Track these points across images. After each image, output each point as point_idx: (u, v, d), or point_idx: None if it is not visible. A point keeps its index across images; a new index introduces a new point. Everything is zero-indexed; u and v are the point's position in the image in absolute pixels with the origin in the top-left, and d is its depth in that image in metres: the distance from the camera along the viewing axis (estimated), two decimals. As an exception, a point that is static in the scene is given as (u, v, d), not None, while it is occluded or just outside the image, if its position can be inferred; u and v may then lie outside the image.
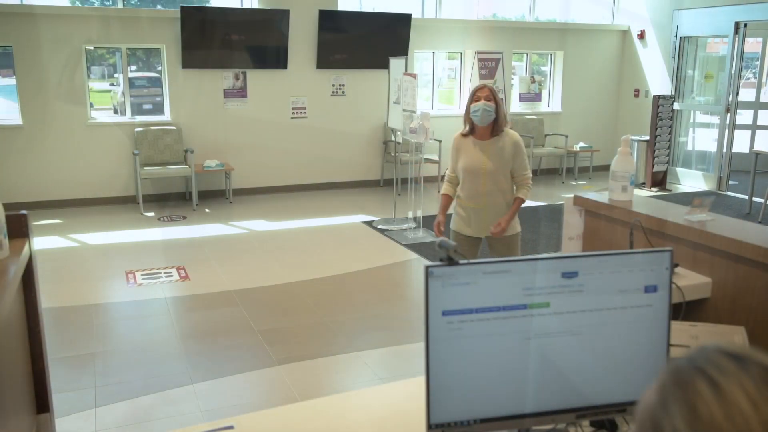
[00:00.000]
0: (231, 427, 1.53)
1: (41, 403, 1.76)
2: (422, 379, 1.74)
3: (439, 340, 1.26)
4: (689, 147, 9.50)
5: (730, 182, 8.83)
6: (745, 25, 8.27)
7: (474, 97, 3.33)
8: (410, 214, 6.81)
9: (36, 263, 1.73)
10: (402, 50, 8.40)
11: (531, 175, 3.47)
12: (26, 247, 1.63)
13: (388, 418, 1.52)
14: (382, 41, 8.39)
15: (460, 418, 1.28)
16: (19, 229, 1.65)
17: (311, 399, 1.69)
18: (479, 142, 3.38)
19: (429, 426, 1.27)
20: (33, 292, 1.69)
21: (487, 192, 3.41)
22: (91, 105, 7.64)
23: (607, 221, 2.14)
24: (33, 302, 1.69)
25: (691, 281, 1.79)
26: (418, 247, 6.01)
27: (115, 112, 10.27)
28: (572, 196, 2.25)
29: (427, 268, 1.23)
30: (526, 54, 9.89)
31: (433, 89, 9.36)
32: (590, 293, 1.30)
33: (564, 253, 1.30)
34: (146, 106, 8.62)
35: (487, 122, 3.30)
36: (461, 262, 1.24)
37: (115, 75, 12.69)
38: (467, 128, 3.43)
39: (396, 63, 6.54)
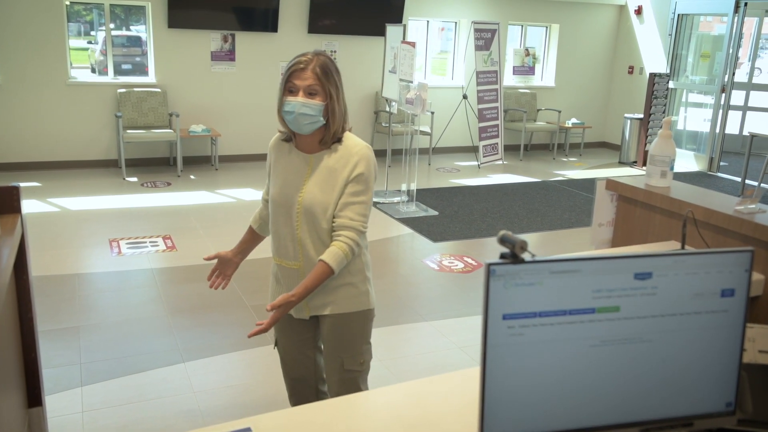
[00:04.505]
0: (248, 430, 1.39)
1: (33, 395, 1.60)
2: (452, 376, 1.61)
3: (498, 345, 1.12)
4: (680, 126, 9.43)
5: (721, 163, 8.79)
6: (746, 3, 8.15)
7: (287, 85, 1.93)
8: (403, 187, 6.66)
9: (28, 242, 1.55)
10: (396, 17, 8.16)
11: (364, 228, 1.98)
12: (18, 225, 1.45)
13: (419, 421, 1.38)
14: (375, 7, 8.12)
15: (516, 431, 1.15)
16: (9, 204, 1.47)
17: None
18: (301, 155, 2.02)
19: (482, 440, 1.14)
20: (25, 274, 1.51)
21: (302, 242, 2.00)
22: (71, 64, 7.30)
23: (642, 208, 2.01)
24: (25, 286, 1.51)
25: (743, 278, 1.66)
26: (411, 222, 5.88)
27: (93, 71, 9.90)
28: (605, 179, 2.11)
29: (488, 266, 1.08)
30: (521, 26, 9.69)
31: (426, 59, 9.14)
32: (664, 297, 1.16)
33: (637, 252, 1.17)
34: (125, 66, 8.30)
35: (308, 131, 1.94)
36: (527, 259, 1.10)
37: (92, 33, 12.23)
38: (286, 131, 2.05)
39: (393, 30, 6.31)
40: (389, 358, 3.46)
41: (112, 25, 7.56)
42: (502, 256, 1.11)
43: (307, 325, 2.16)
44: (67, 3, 7.14)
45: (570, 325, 1.14)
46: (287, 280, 2.09)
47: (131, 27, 9.62)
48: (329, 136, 1.96)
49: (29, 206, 5.85)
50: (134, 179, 7.01)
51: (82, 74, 7.84)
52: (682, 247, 1.63)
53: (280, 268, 2.10)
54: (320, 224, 1.98)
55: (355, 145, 1.98)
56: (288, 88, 1.93)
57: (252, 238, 2.32)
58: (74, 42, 9.63)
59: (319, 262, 1.95)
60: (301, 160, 2.01)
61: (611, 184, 2.11)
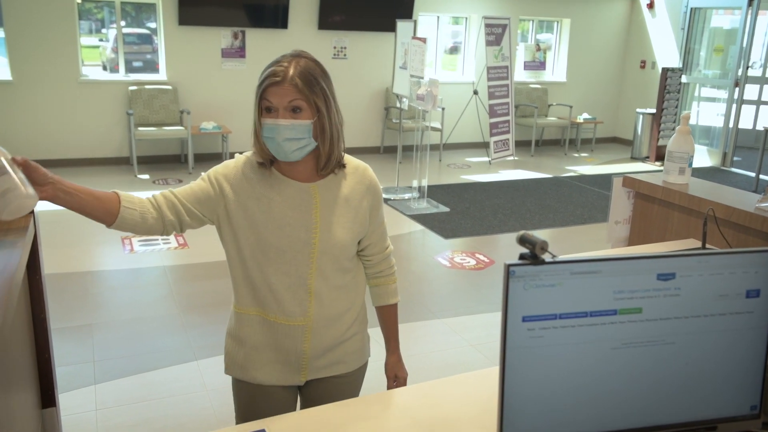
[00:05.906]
0: (262, 431, 1.38)
1: (46, 396, 1.59)
2: (467, 377, 1.59)
3: (518, 348, 1.10)
4: (693, 121, 9.34)
5: (735, 158, 8.70)
6: (760, -4, 8.05)
7: (262, 103, 1.50)
8: (414, 183, 6.63)
9: (41, 241, 1.54)
10: (406, 12, 8.12)
11: (392, 246, 1.79)
12: (30, 224, 1.44)
13: (435, 423, 1.36)
14: (386, 2, 8.09)
15: (535, 436, 1.13)
16: (22, 204, 1.46)
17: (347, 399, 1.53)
18: (300, 186, 1.59)
19: (501, 444, 1.12)
20: (38, 274, 1.50)
21: (317, 292, 1.62)
22: (82, 61, 7.32)
23: (660, 205, 1.98)
24: (38, 286, 1.50)
25: (765, 277, 1.63)
26: (423, 218, 5.85)
27: (104, 68, 9.92)
28: (621, 176, 2.08)
29: (507, 267, 1.06)
30: (532, 21, 9.62)
31: (436, 55, 9.09)
32: (687, 298, 1.14)
33: (660, 252, 1.15)
34: (136, 64, 8.31)
35: (298, 157, 1.54)
36: (547, 260, 1.07)
37: (103, 30, 12.27)
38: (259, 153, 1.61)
39: (403, 26, 6.28)
40: (401, 356, 3.44)
41: (123, 23, 7.58)
42: (522, 256, 1.09)
43: (294, 391, 1.76)
44: (79, 1, 7.16)
45: (591, 327, 1.11)
46: (282, 340, 1.64)
47: (143, 24, 9.64)
48: (325, 159, 1.56)
49: (42, 204, 5.88)
50: (146, 176, 7.02)
51: (93, 72, 7.86)
52: (703, 246, 1.59)
53: (275, 327, 1.64)
54: (342, 264, 1.64)
55: (365, 168, 1.68)
56: (264, 106, 1.50)
57: (108, 204, 1.69)
58: (85, 40, 9.64)
59: (387, 308, 1.83)
60: (302, 192, 1.58)
61: (628, 181, 2.08)
